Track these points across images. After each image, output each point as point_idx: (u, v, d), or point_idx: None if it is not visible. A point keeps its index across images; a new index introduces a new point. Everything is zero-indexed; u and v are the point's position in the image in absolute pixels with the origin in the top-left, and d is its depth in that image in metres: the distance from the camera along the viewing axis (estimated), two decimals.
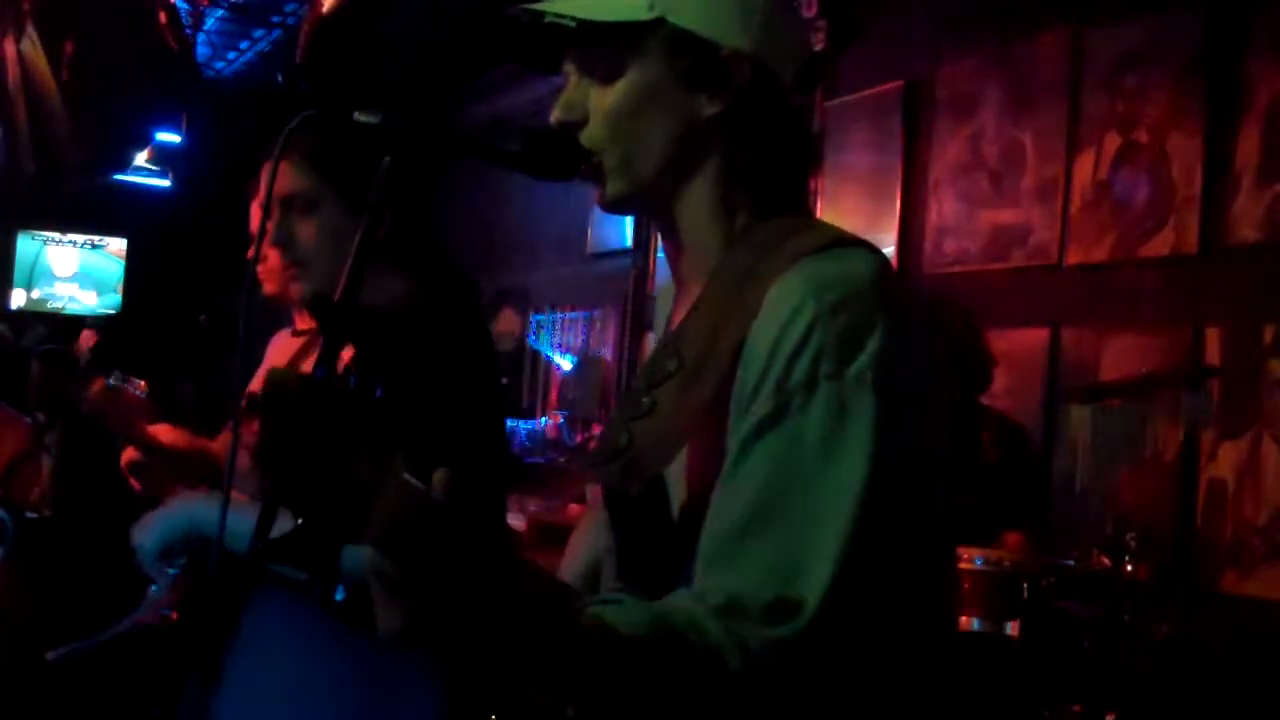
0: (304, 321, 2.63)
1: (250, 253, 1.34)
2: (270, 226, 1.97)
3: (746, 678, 1.03)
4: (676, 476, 1.21)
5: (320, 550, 0.91)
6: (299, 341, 2.57)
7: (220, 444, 2.66)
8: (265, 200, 1.28)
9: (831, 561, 1.05)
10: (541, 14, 1.20)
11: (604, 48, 1.22)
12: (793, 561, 1.06)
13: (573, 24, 1.19)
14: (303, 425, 0.92)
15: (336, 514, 0.91)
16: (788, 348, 1.09)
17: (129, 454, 2.45)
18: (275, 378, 0.94)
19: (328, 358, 0.96)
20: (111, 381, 2.48)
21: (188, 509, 2.00)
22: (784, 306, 1.11)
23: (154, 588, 2.16)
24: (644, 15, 1.19)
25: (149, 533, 1.95)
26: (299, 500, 0.92)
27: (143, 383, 2.51)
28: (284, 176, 1.95)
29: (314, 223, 1.97)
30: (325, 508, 0.91)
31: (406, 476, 0.98)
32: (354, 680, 1.85)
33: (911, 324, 1.16)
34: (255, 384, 2.54)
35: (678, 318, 1.27)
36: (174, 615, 2.05)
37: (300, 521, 0.91)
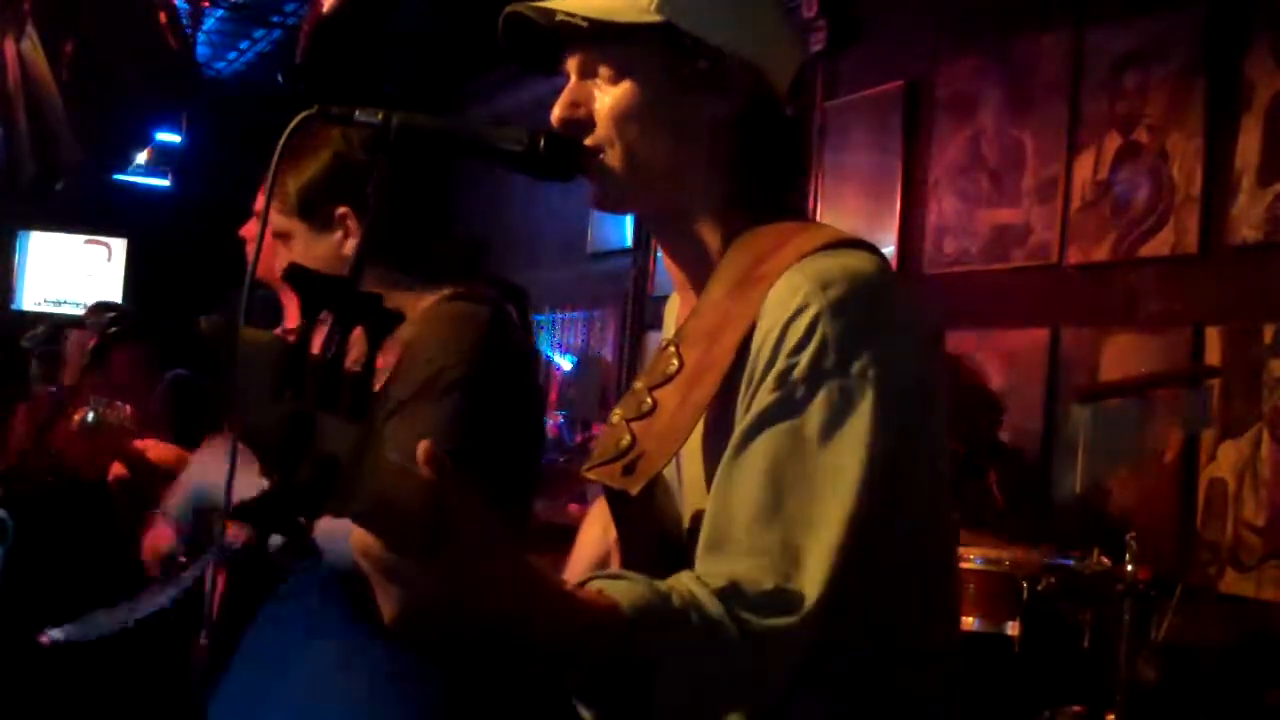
0: (292, 320, 2.65)
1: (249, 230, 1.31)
2: (268, 226, 1.95)
3: (745, 648, 1.04)
4: (683, 476, 1.21)
5: (289, 517, 0.91)
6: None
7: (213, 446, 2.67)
8: (268, 194, 1.28)
9: (830, 553, 1.06)
10: (550, 12, 1.20)
11: (608, 49, 1.22)
12: (792, 553, 1.07)
13: (585, 24, 1.19)
14: (261, 382, 0.91)
15: (303, 482, 0.91)
16: (791, 342, 1.10)
17: (116, 469, 2.45)
18: (246, 335, 0.94)
19: (304, 329, 0.95)
20: (90, 416, 2.48)
21: (199, 479, 1.99)
22: (787, 301, 1.12)
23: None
24: (650, 18, 1.20)
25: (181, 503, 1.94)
26: (267, 464, 0.91)
27: (128, 407, 2.52)
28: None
29: (293, 252, 1.93)
30: (292, 474, 0.91)
31: (391, 455, 0.96)
32: (365, 696, 1.78)
33: (911, 323, 1.17)
34: None
35: (680, 320, 1.27)
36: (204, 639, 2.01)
37: (270, 486, 0.90)
